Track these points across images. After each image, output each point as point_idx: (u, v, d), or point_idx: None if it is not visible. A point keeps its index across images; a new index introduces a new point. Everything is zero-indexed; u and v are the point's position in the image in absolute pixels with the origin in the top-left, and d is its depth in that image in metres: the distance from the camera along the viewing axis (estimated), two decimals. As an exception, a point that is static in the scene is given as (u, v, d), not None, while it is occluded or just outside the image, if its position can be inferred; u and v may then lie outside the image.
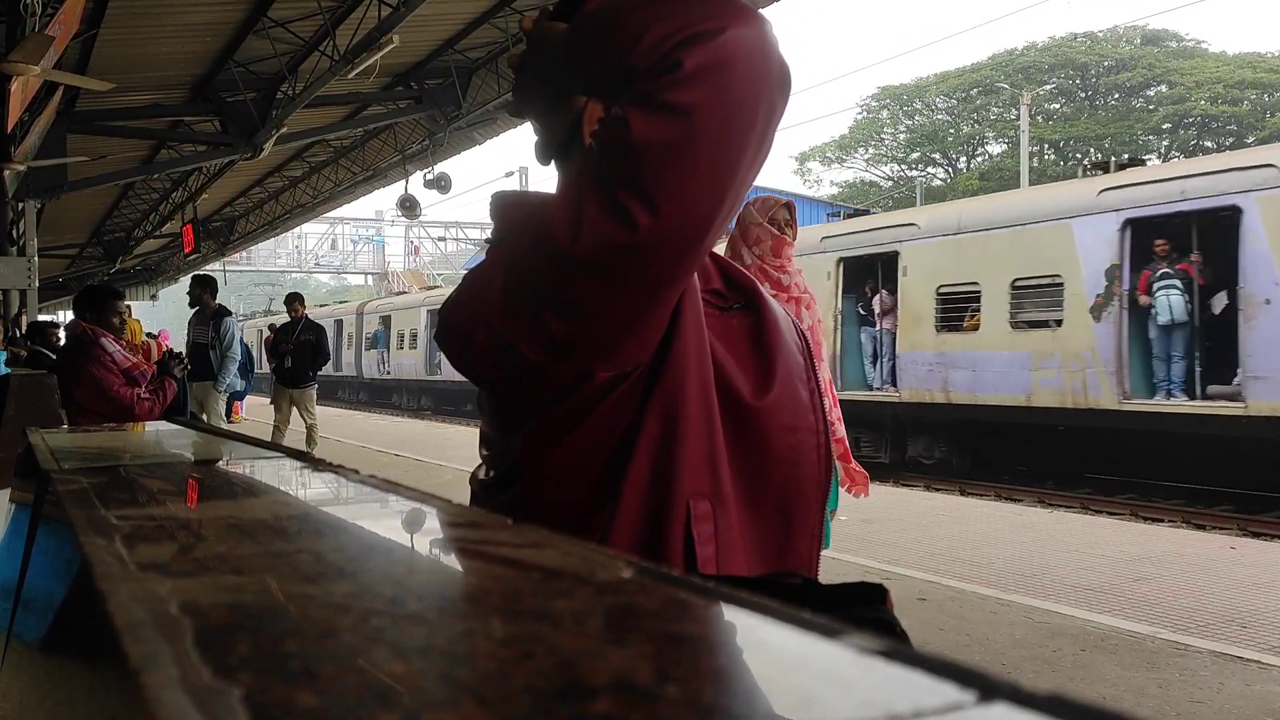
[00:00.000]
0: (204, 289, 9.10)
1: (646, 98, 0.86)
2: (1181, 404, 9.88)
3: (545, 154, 1.10)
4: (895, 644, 0.33)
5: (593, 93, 1.01)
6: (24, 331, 9.70)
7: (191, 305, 9.22)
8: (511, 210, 1.02)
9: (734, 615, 0.41)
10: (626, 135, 0.87)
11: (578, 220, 0.89)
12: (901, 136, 44.41)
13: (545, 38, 1.03)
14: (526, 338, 0.93)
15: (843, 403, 4.08)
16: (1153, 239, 10.00)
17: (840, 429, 3.51)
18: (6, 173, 9.13)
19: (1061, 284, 10.69)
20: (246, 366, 10.62)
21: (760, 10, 0.92)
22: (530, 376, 0.96)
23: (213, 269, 28.78)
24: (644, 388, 0.98)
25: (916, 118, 44.07)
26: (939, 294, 12.02)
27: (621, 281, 0.91)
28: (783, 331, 1.12)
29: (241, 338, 9.50)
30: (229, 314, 9.12)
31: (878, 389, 12.93)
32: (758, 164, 0.92)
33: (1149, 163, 13.68)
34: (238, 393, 11.32)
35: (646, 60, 0.86)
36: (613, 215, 0.87)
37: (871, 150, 45.05)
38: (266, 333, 20.40)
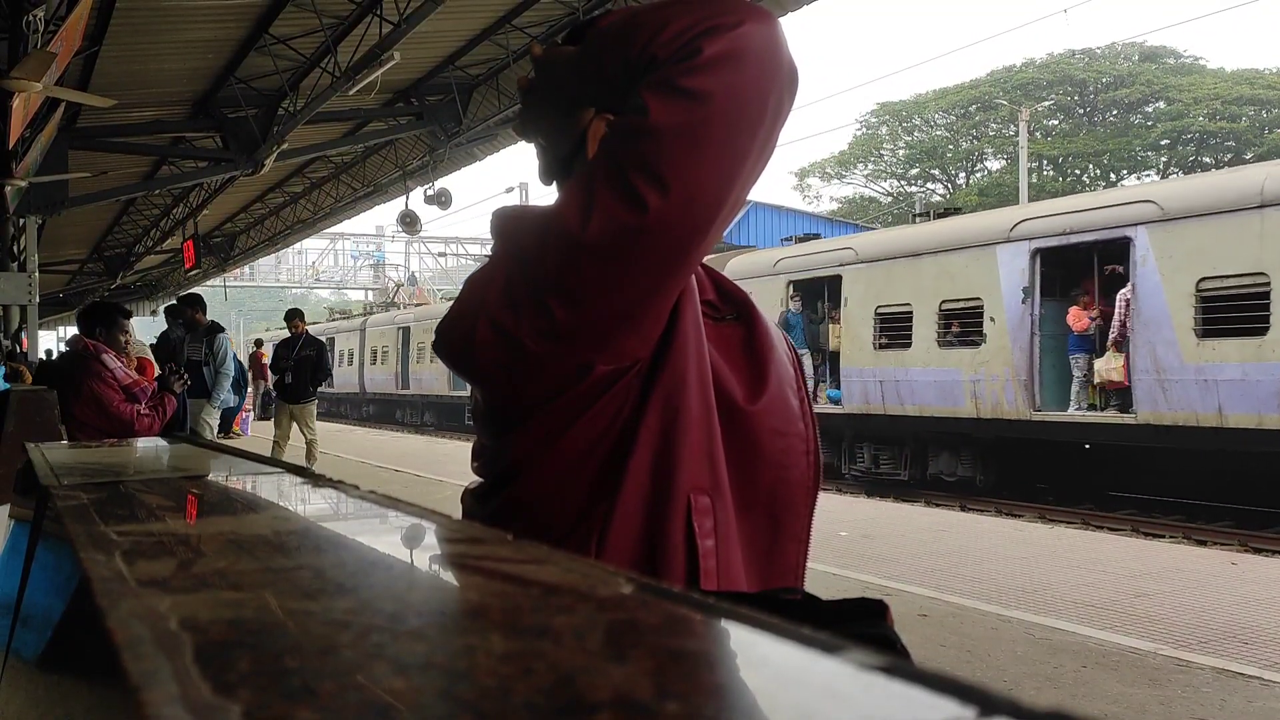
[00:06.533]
0: (194, 307, 9.07)
1: (665, 82, 0.91)
2: None
3: (549, 174, 1.12)
4: (896, 660, 0.33)
5: (604, 100, 1.03)
6: (23, 346, 9.70)
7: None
8: (511, 223, 1.03)
9: (734, 631, 0.41)
10: (644, 118, 0.91)
11: (589, 205, 0.92)
12: (901, 152, 44.56)
13: (556, 59, 1.06)
14: (530, 327, 0.95)
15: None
16: None
17: None
18: (8, 188, 9.15)
19: None
20: (239, 381, 10.59)
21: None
22: (530, 370, 0.97)
23: (214, 284, 28.76)
24: (644, 383, 0.99)
25: (916, 134, 44.23)
26: None
27: (628, 266, 0.93)
28: (774, 342, 1.14)
29: (235, 354, 9.48)
30: (222, 330, 9.10)
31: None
32: (763, 159, 0.96)
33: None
34: (231, 408, 11.28)
35: (667, 49, 0.91)
36: (624, 197, 0.91)
37: (871, 166, 45.20)
38: (252, 348, 20.32)
